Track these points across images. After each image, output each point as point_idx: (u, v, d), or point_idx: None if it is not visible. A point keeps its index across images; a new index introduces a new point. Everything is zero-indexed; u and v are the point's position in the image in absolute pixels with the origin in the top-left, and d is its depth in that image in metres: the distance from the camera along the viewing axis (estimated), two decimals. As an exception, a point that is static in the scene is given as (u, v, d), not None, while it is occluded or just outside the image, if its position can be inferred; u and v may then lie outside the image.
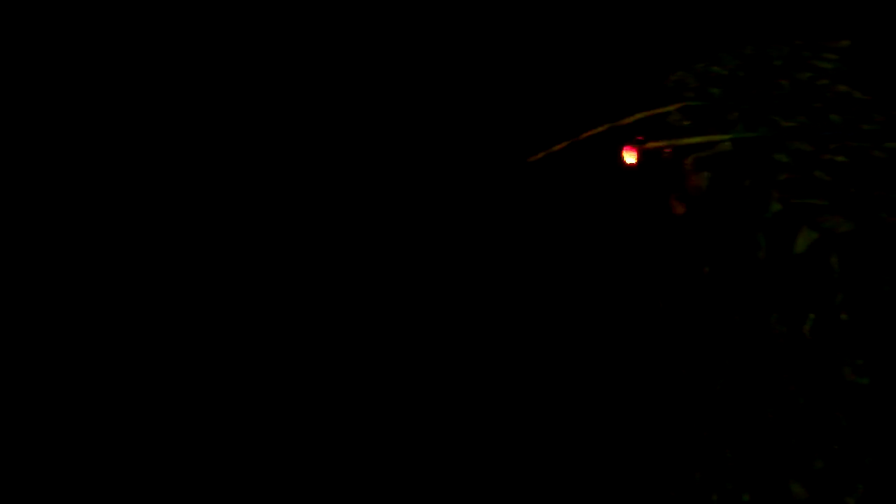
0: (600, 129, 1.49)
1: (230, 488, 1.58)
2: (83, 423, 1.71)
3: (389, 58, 2.44)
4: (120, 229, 2.20)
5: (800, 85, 1.53)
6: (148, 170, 2.32)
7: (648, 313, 1.46)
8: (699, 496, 1.34)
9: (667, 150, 1.34)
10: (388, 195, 2.27)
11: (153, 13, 2.42)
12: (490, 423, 1.71)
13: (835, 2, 2.21)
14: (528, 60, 2.42)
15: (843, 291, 1.08)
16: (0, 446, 1.66)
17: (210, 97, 2.42)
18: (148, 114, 2.39)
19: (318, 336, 1.93)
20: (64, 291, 2.04)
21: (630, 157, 1.38)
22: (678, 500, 1.40)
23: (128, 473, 1.61)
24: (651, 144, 1.38)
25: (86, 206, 2.25)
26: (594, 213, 2.11)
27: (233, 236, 2.19)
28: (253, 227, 2.21)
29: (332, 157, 2.36)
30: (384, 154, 2.35)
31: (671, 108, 1.45)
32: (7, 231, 2.16)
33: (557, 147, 1.53)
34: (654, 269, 1.42)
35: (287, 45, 2.46)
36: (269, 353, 1.89)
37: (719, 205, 1.23)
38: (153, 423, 1.72)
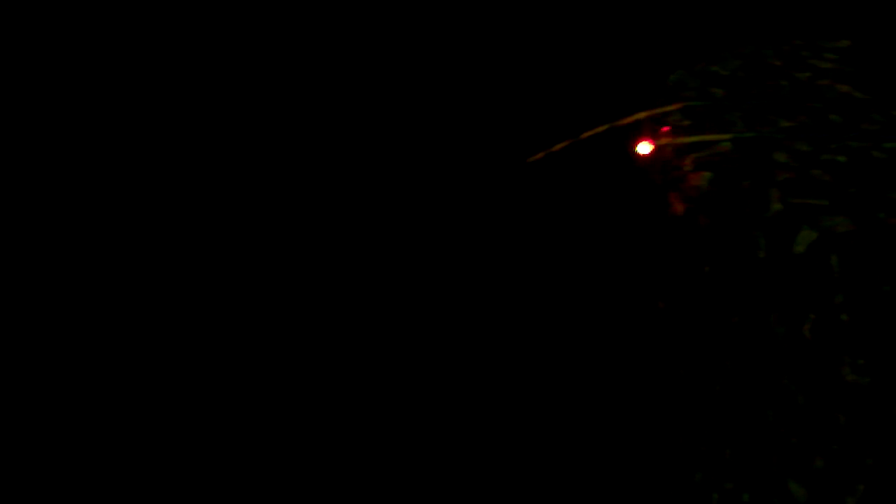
0: (600, 129, 1.49)
1: (230, 488, 1.58)
2: (83, 422, 1.71)
3: (388, 57, 2.44)
4: (119, 229, 2.20)
5: (800, 85, 1.53)
6: (147, 169, 2.32)
7: (648, 313, 1.46)
8: (699, 496, 1.34)
9: (668, 150, 1.34)
10: (386, 195, 2.27)
11: (153, 13, 2.42)
12: (490, 423, 1.71)
13: (835, 2, 2.21)
14: (527, 60, 2.42)
15: (843, 291, 1.08)
16: (0, 446, 1.66)
17: (210, 97, 2.42)
18: (147, 114, 2.40)
19: (317, 336, 1.93)
20: (63, 291, 2.04)
21: (645, 147, 1.38)
22: (678, 500, 1.40)
23: (128, 473, 1.61)
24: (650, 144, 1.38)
25: (85, 205, 2.25)
26: (594, 213, 2.11)
27: (232, 236, 2.19)
28: (252, 227, 2.21)
29: (330, 156, 2.36)
30: (383, 154, 2.35)
31: (671, 108, 1.45)
32: (6, 231, 2.16)
33: (557, 147, 1.53)
34: (655, 268, 1.42)
35: (286, 44, 2.46)
36: (268, 353, 1.89)
37: (719, 205, 1.23)
38: (152, 423, 1.72)
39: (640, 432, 1.59)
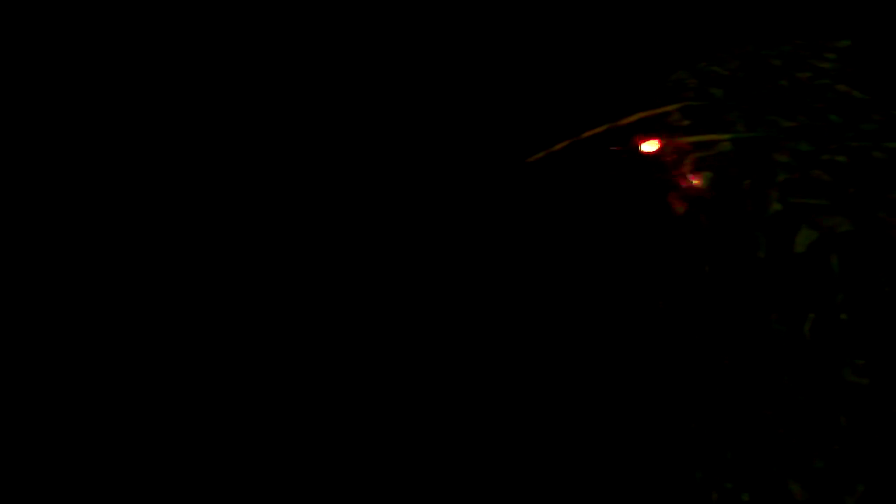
0: (600, 129, 1.49)
1: (230, 488, 1.58)
2: (83, 423, 1.71)
3: (388, 57, 2.44)
4: (119, 229, 2.20)
5: (800, 85, 1.53)
6: (146, 170, 2.32)
7: (648, 313, 1.46)
8: (699, 496, 1.34)
9: (668, 150, 1.34)
10: (386, 195, 2.27)
11: (153, 13, 2.42)
12: (489, 423, 1.71)
13: (835, 2, 2.21)
14: (527, 60, 2.42)
15: (843, 291, 1.08)
16: (0, 446, 1.66)
17: (209, 97, 2.42)
18: (147, 113, 2.40)
19: (317, 337, 1.93)
20: (63, 291, 2.04)
21: (650, 146, 1.38)
22: (678, 500, 1.40)
23: (128, 473, 1.61)
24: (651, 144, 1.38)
25: (85, 205, 2.25)
26: (595, 213, 2.11)
27: (231, 236, 2.19)
28: (251, 228, 2.21)
29: (329, 156, 2.36)
30: (382, 154, 2.35)
31: (671, 108, 1.45)
32: (6, 231, 2.17)
33: (557, 147, 1.53)
34: (655, 268, 1.42)
35: (286, 44, 2.46)
36: (268, 353, 1.89)
37: (719, 205, 1.23)
38: (152, 423, 1.72)
39: (641, 432, 1.59)
